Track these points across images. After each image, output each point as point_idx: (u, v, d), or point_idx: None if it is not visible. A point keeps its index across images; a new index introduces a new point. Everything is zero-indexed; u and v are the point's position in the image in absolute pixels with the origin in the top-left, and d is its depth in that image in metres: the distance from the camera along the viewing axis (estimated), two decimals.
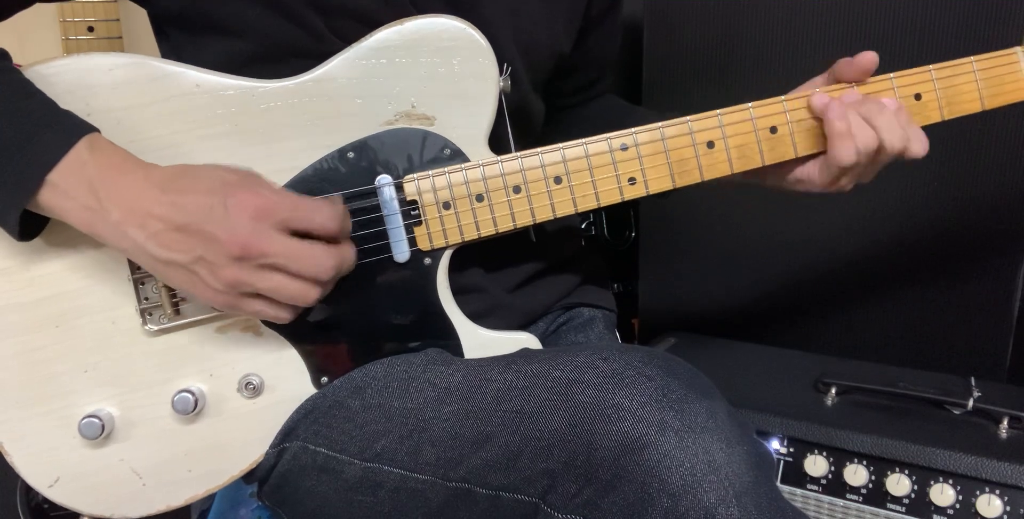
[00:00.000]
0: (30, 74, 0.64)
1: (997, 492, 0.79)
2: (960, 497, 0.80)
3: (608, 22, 0.90)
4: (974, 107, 0.75)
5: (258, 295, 0.62)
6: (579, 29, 0.85)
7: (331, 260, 0.62)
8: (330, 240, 0.63)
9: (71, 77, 0.65)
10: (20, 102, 0.61)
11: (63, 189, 0.60)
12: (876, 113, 0.70)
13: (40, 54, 0.66)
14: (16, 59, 0.66)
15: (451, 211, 0.70)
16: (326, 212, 0.62)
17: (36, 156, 0.59)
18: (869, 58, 0.71)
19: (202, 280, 0.60)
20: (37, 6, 0.73)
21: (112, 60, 0.66)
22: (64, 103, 0.63)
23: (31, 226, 0.63)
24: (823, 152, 0.72)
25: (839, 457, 0.86)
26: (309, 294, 0.62)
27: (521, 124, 0.76)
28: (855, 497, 0.86)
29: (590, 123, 0.93)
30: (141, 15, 0.76)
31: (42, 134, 0.60)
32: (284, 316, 0.64)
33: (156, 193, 0.59)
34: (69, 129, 0.61)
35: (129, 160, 0.61)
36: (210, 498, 1.04)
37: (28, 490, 1.12)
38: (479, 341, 0.73)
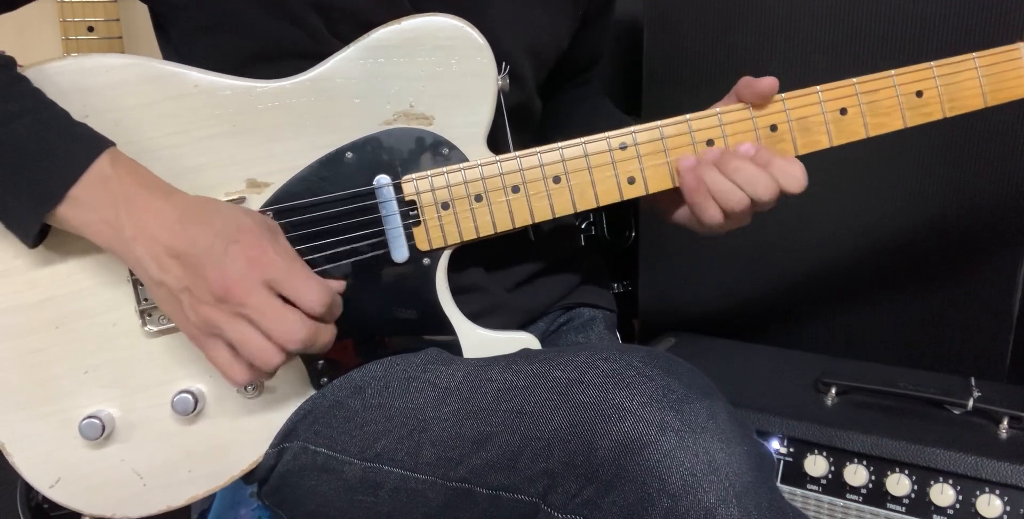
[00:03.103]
0: (30, 74, 0.64)
1: (997, 492, 0.79)
2: (960, 497, 0.80)
3: (604, 17, 0.91)
4: (976, 104, 0.74)
5: (225, 345, 0.61)
6: (580, 24, 0.85)
7: (303, 332, 0.60)
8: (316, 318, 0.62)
9: (70, 78, 0.65)
10: (38, 112, 0.61)
11: (86, 204, 0.60)
12: (734, 171, 0.68)
13: (40, 54, 0.66)
14: (16, 59, 0.66)
15: (450, 211, 0.70)
16: (315, 292, 0.61)
17: (58, 170, 0.59)
18: (768, 83, 0.70)
19: (182, 308, 0.61)
20: (38, 5, 0.73)
21: (111, 61, 0.66)
22: (63, 104, 0.63)
23: (41, 232, 0.63)
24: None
25: (839, 457, 0.86)
26: (271, 358, 0.60)
27: (521, 123, 0.76)
28: (855, 497, 0.85)
29: (578, 118, 0.94)
30: (141, 15, 0.76)
31: (63, 147, 0.60)
32: (236, 377, 0.62)
33: (171, 219, 0.60)
34: (90, 143, 0.61)
35: (152, 179, 0.62)
36: (210, 498, 1.04)
37: (28, 490, 1.12)
38: (478, 341, 0.73)
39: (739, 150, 0.70)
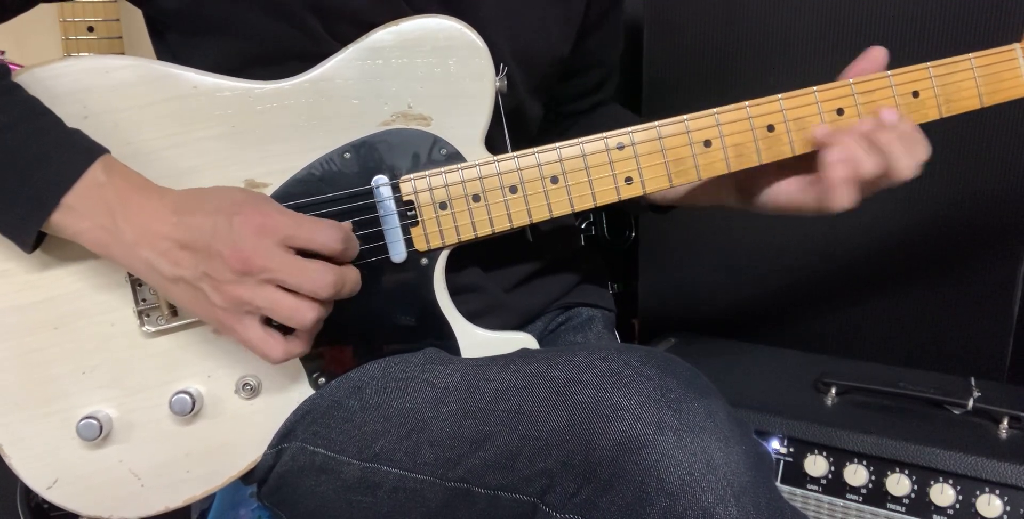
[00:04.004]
0: (29, 77, 0.64)
1: (997, 492, 0.79)
2: (960, 497, 0.80)
3: (609, 22, 0.90)
4: (973, 104, 0.74)
5: (258, 321, 0.62)
6: (578, 31, 0.84)
7: (329, 276, 0.61)
8: (334, 261, 0.63)
9: (69, 79, 0.65)
10: (32, 121, 0.61)
11: (79, 211, 0.60)
12: (888, 141, 0.67)
13: (40, 54, 0.66)
14: (16, 59, 0.66)
15: (447, 211, 0.70)
16: (328, 232, 0.62)
17: (52, 178, 0.60)
18: (877, 53, 0.71)
19: (206, 296, 0.61)
20: (37, 6, 0.73)
21: (110, 62, 0.66)
22: (62, 105, 0.63)
23: (38, 238, 0.63)
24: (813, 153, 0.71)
25: (839, 457, 0.86)
26: (306, 313, 0.61)
27: (516, 128, 0.76)
28: (855, 497, 0.85)
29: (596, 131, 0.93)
30: (141, 15, 0.76)
31: (57, 155, 0.60)
32: (272, 351, 0.62)
33: (168, 214, 0.60)
34: (83, 150, 0.61)
35: (145, 182, 0.62)
36: (210, 498, 1.04)
37: (28, 491, 1.12)
38: (476, 341, 0.73)
39: (883, 117, 0.68)
